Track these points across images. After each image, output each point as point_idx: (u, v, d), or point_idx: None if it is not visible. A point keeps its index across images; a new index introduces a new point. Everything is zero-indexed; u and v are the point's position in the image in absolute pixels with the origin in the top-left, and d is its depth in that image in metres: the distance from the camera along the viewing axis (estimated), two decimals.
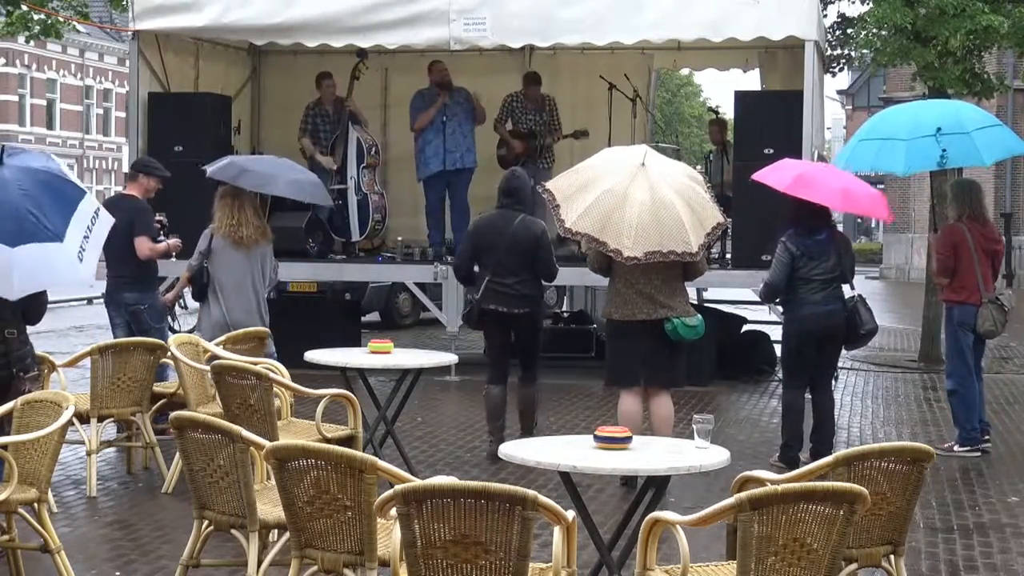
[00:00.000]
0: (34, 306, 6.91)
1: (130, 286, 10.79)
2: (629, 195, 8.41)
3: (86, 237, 6.33)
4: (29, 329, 7.06)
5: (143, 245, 10.63)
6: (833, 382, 14.77)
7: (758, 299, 10.63)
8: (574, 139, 15.33)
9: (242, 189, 10.16)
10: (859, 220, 67.49)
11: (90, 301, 27.14)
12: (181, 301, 11.73)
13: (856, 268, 10.31)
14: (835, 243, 9.89)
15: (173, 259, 12.02)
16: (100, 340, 10.42)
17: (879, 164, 10.75)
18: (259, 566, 5.88)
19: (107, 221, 6.59)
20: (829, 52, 18.07)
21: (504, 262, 9.74)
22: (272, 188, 10.88)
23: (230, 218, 10.00)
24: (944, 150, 10.03)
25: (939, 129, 10.06)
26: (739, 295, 16.11)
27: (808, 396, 10.10)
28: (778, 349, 13.10)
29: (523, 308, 9.82)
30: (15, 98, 55.04)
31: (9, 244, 6.11)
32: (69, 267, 6.31)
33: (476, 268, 9.99)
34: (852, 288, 9.97)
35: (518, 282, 9.77)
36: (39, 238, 6.18)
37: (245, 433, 5.88)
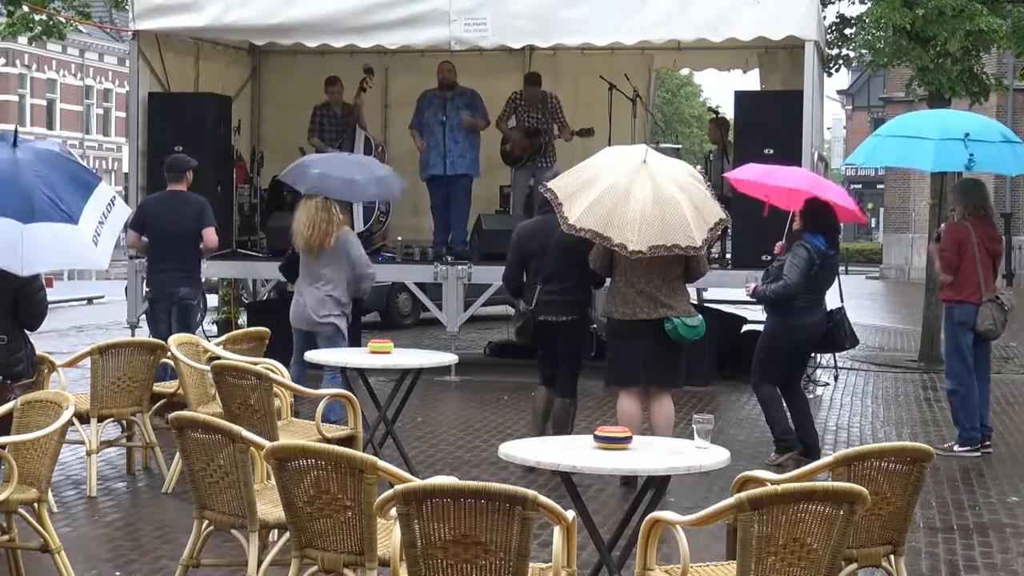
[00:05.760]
0: (27, 307, 6.81)
1: (186, 281, 11.19)
2: (632, 191, 8.38)
3: (101, 222, 6.40)
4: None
5: (213, 235, 11.09)
6: (832, 382, 14.86)
7: (752, 298, 10.53)
8: (579, 137, 15.26)
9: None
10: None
11: (90, 301, 27.20)
12: None
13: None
14: (837, 257, 10.11)
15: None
16: (100, 340, 10.43)
17: (906, 160, 10.98)
18: (259, 566, 5.88)
19: (123, 211, 6.68)
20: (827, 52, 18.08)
21: (551, 268, 9.37)
22: (361, 195, 10.86)
23: (305, 228, 10.14)
24: (972, 154, 10.15)
25: (967, 134, 10.18)
26: (739, 295, 16.05)
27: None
28: None
29: (571, 315, 9.48)
30: (15, 98, 55.06)
31: (22, 220, 6.16)
32: (83, 248, 6.37)
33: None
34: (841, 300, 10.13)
35: (566, 288, 9.39)
36: (52, 218, 6.25)
37: (245, 433, 5.88)
